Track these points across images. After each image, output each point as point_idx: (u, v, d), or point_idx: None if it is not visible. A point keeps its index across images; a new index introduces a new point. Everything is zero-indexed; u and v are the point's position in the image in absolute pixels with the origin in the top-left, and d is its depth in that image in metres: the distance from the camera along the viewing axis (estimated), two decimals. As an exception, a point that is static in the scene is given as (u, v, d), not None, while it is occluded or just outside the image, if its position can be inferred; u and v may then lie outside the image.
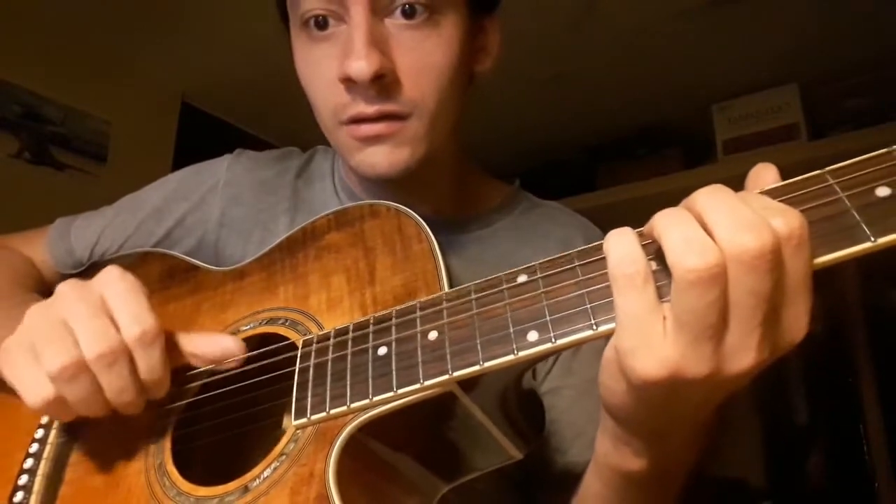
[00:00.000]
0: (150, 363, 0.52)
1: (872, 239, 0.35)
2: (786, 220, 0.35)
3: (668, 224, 0.37)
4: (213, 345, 0.56)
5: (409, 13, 0.61)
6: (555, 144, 2.61)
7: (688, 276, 0.35)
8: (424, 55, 0.62)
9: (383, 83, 0.60)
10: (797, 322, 0.37)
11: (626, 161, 2.50)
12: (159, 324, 0.52)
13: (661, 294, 0.38)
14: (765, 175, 0.40)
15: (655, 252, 0.39)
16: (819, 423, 2.26)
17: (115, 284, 0.52)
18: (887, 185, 0.36)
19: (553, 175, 2.54)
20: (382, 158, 0.63)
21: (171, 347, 0.54)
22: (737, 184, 0.40)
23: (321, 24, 0.62)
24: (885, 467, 2.04)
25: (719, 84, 2.25)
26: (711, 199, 0.37)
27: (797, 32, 1.98)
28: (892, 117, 2.04)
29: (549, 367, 0.68)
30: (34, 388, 0.50)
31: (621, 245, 0.38)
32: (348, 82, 0.61)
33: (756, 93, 2.26)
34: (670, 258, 0.36)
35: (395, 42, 0.61)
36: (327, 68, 0.62)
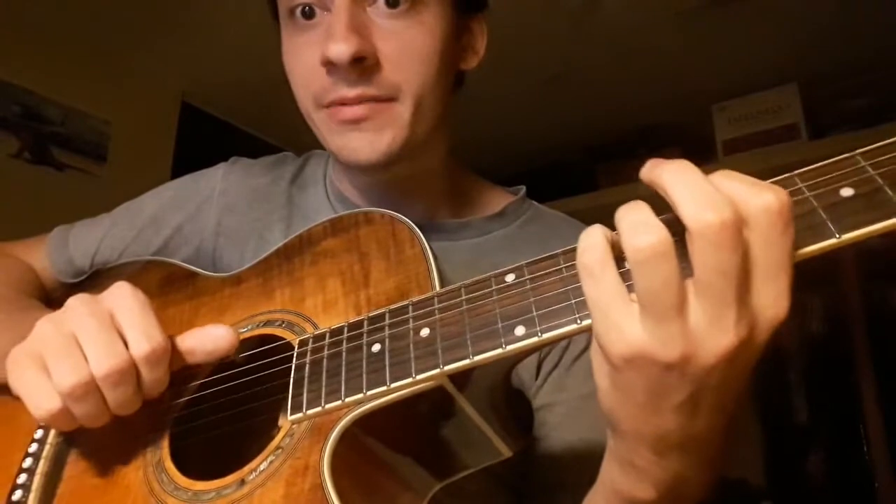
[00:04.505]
0: (155, 378, 0.52)
1: (837, 235, 0.36)
2: (762, 196, 0.35)
3: (623, 211, 0.37)
4: (204, 337, 0.56)
5: (391, 3, 0.62)
6: (555, 145, 2.62)
7: (636, 257, 0.35)
8: (406, 42, 0.63)
9: (364, 67, 0.61)
10: (777, 301, 0.36)
11: (626, 161, 2.51)
12: (167, 341, 0.53)
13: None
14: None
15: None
16: (819, 423, 2.26)
17: (125, 300, 0.53)
18: (850, 185, 0.37)
19: (553, 175, 2.55)
20: (364, 143, 0.63)
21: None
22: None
23: (307, 13, 0.64)
24: (885, 467, 2.04)
25: (719, 84, 2.26)
26: (674, 176, 0.37)
27: (797, 32, 1.98)
28: (891, 117, 2.04)
29: (541, 382, 0.66)
30: (41, 401, 0.50)
31: (585, 237, 0.39)
32: (329, 65, 0.62)
33: (756, 93, 2.27)
34: (622, 242, 0.36)
35: (377, 29, 0.62)
36: (310, 54, 0.63)
